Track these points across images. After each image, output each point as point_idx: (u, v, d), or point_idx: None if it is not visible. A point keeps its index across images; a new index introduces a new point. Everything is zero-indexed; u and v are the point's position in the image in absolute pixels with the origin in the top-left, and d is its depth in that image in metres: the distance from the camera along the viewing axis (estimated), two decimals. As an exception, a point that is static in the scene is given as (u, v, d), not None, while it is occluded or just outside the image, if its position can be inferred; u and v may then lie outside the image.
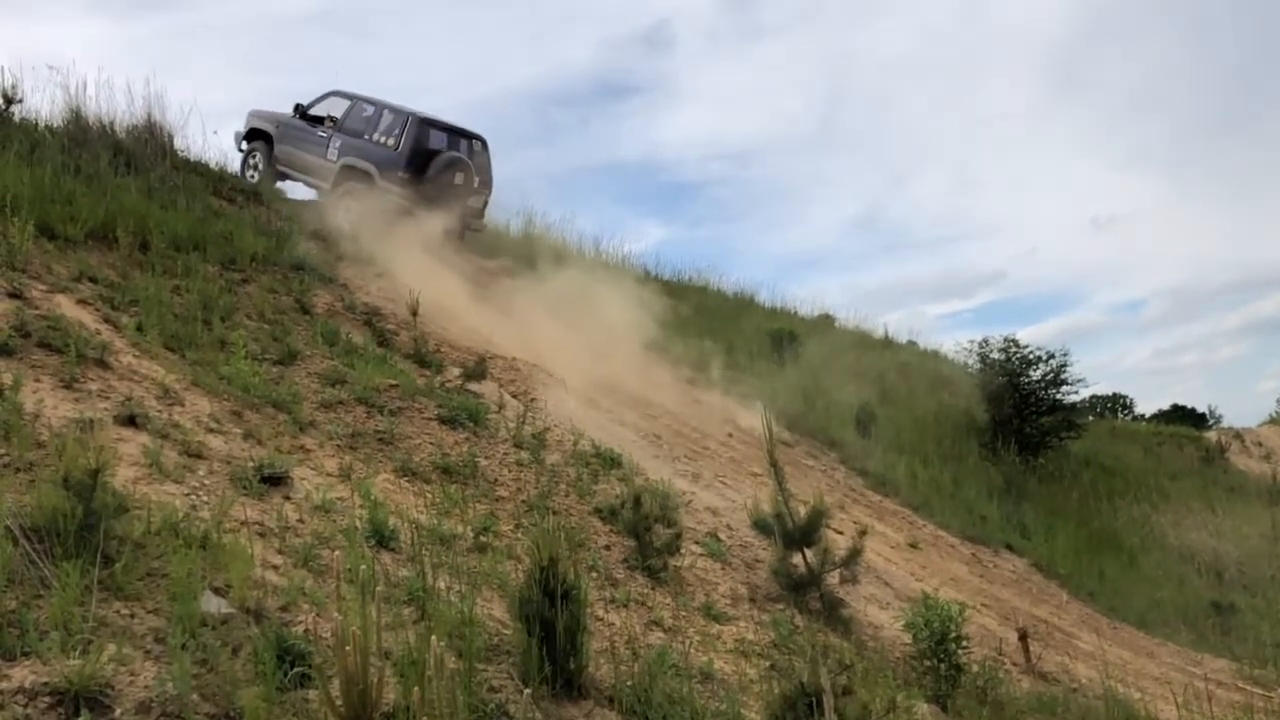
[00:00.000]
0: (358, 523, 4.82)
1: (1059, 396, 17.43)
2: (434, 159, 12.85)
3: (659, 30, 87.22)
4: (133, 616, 3.27)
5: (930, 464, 14.17)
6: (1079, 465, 18.09)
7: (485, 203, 13.98)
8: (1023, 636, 7.62)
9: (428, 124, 13.07)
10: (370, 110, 13.27)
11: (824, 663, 3.90)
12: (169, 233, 8.21)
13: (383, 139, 12.93)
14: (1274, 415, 28.57)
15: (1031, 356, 17.42)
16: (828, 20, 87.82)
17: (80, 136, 9.68)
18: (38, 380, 4.99)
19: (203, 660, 3.11)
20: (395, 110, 13.13)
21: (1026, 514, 14.36)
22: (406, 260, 10.86)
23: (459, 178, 13.06)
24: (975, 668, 5.94)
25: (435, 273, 11.12)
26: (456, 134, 13.47)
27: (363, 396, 6.90)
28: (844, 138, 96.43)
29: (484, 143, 13.83)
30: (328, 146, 13.22)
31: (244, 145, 13.98)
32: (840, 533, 8.45)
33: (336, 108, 13.53)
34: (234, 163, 13.62)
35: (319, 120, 13.55)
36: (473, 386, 8.27)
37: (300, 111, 13.68)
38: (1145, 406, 38.05)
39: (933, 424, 16.47)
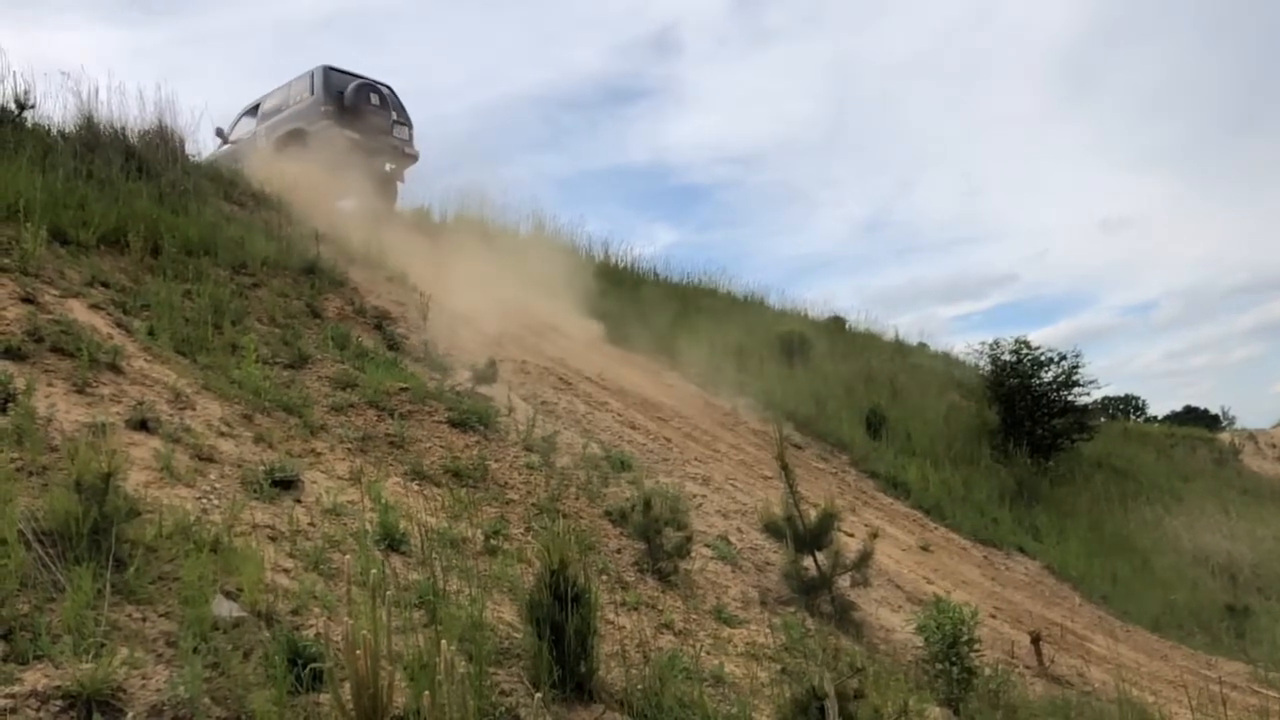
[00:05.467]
0: (368, 526, 4.82)
1: (1071, 398, 17.28)
2: (347, 88, 13.83)
3: (667, 34, 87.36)
4: (144, 620, 3.28)
5: (941, 466, 14.12)
6: (1091, 467, 17.97)
7: (410, 135, 14.80)
8: (1035, 639, 7.58)
9: (334, 70, 14.05)
10: (278, 92, 14.38)
11: (835, 666, 3.89)
12: (180, 237, 8.24)
13: (299, 97, 13.97)
14: (1287, 416, 28.35)
15: (1043, 358, 17.30)
16: (835, 23, 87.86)
17: (92, 142, 9.70)
18: (50, 385, 5.01)
19: (214, 664, 3.11)
20: (299, 75, 14.16)
21: (1038, 516, 14.28)
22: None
23: (374, 98, 14.02)
24: (988, 671, 5.90)
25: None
26: (363, 80, 14.35)
27: (373, 400, 6.91)
28: (852, 141, 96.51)
29: (391, 88, 14.70)
30: (256, 139, 14.22)
31: None
32: (851, 535, 8.42)
33: (247, 125, 14.76)
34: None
35: (238, 139, 14.68)
36: (483, 389, 8.27)
37: (223, 136, 14.82)
38: (1157, 408, 37.97)
39: (944, 426, 16.42)
